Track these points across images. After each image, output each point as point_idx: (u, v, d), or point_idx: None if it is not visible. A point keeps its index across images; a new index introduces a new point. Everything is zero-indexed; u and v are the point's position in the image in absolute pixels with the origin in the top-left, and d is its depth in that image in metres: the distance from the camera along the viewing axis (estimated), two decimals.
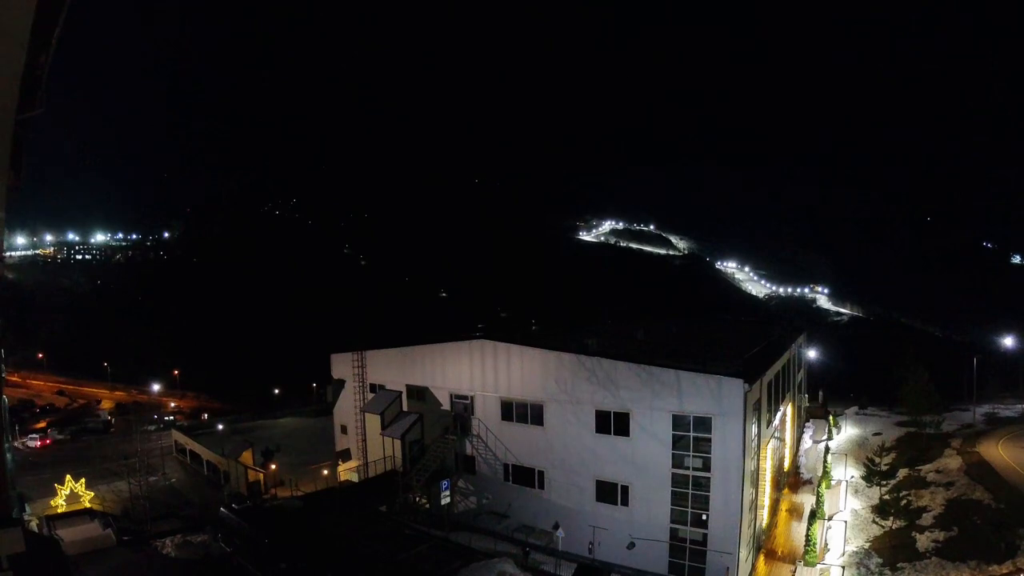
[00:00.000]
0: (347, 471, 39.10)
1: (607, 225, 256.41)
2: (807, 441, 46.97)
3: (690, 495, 26.89)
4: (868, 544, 30.04)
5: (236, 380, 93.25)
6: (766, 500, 31.78)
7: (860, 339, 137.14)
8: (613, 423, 28.97)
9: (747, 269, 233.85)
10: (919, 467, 37.31)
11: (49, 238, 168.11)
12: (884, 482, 33.88)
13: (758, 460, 29.15)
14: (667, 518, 27.47)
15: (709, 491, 26.35)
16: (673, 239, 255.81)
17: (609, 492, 29.21)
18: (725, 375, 26.04)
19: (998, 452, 37.22)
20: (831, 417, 51.80)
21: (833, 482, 36.53)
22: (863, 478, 35.85)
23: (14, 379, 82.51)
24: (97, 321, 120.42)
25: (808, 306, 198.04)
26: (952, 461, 36.56)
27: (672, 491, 27.30)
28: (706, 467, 26.48)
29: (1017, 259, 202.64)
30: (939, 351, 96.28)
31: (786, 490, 38.05)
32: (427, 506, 33.84)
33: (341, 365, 41.67)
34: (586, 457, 30.00)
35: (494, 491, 33.66)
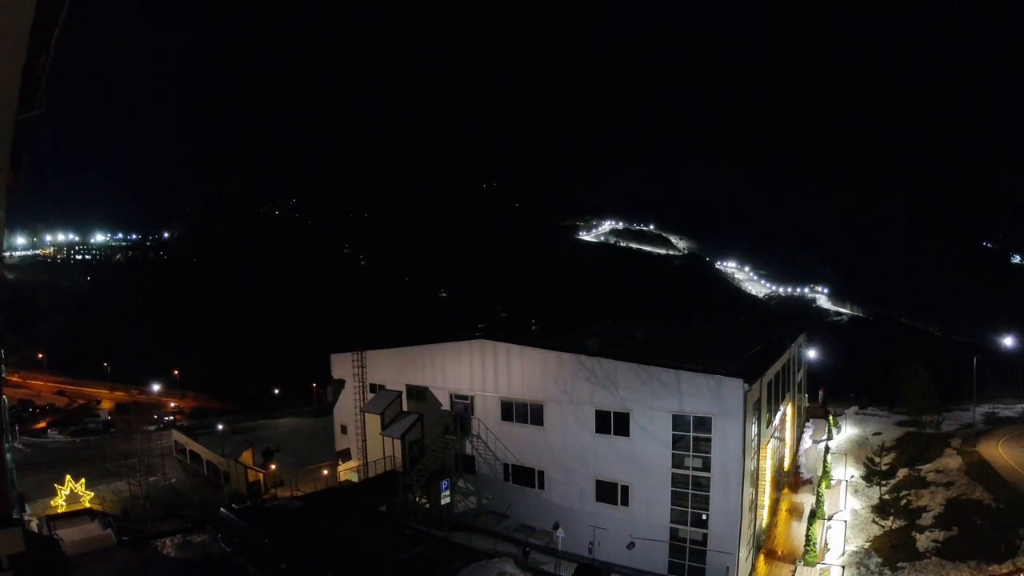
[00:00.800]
0: (347, 471, 39.11)
1: (607, 225, 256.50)
2: (807, 441, 46.96)
3: (690, 495, 26.88)
4: (868, 544, 30.04)
5: (236, 380, 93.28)
6: (766, 500, 31.78)
7: (860, 339, 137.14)
8: (613, 423, 28.97)
9: (747, 269, 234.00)
10: (919, 467, 37.31)
11: (49, 238, 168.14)
12: (884, 482, 33.88)
13: (758, 460, 29.15)
14: (667, 518, 27.47)
15: (709, 491, 26.34)
16: (673, 239, 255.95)
17: (609, 492, 29.21)
18: (725, 375, 26.03)
19: (998, 452, 37.21)
20: (831, 417, 51.78)
21: (833, 482, 36.54)
22: (863, 478, 35.85)
23: (14, 379, 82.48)
24: (97, 321, 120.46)
25: (808, 306, 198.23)
26: (952, 461, 36.56)
27: (672, 491, 27.29)
28: (706, 467, 26.47)
29: (1017, 259, 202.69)
30: (939, 351, 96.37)
31: (786, 490, 38.05)
32: (427, 506, 33.82)
33: (341, 365, 41.67)
34: (586, 457, 30.00)
35: (494, 491, 33.66)
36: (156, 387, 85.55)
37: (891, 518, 30.90)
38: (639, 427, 28.10)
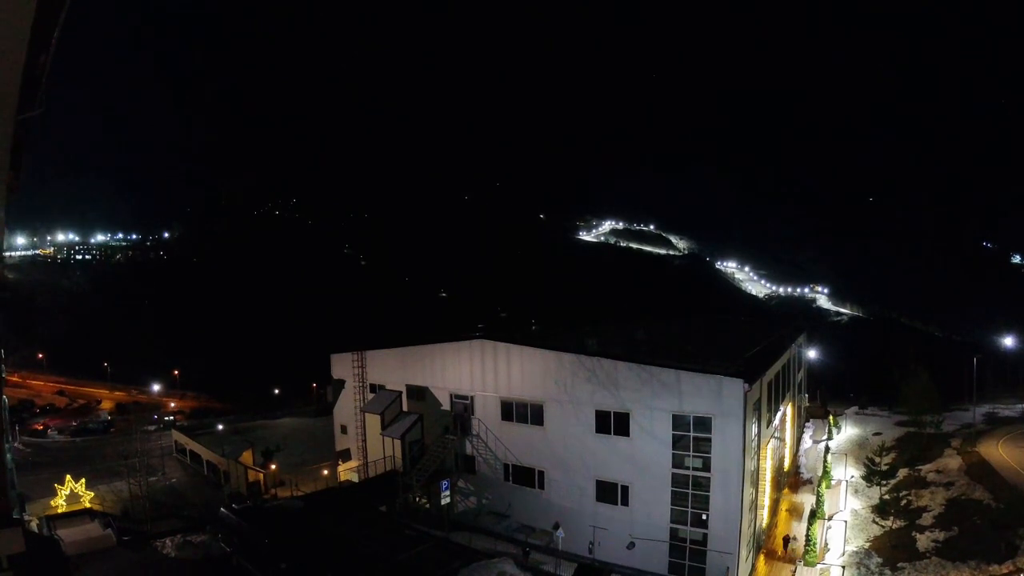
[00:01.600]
0: (347, 471, 39.11)
1: (607, 225, 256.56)
2: (807, 441, 46.97)
3: (690, 495, 26.88)
4: (868, 544, 30.06)
5: (236, 380, 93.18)
6: (766, 500, 31.79)
7: (860, 339, 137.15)
8: (613, 423, 28.97)
9: (747, 269, 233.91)
10: (919, 467, 37.32)
11: (49, 238, 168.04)
12: (884, 482, 33.88)
13: (758, 460, 29.15)
14: (667, 518, 27.47)
15: (709, 491, 26.34)
16: (673, 239, 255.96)
17: (609, 492, 29.21)
18: (725, 375, 26.04)
19: (998, 452, 37.22)
20: (831, 417, 51.80)
21: (833, 482, 36.55)
22: (863, 478, 35.86)
23: (14, 379, 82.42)
24: (97, 321, 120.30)
25: (808, 306, 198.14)
26: (952, 461, 36.57)
27: (672, 491, 27.29)
28: (706, 467, 26.47)
29: (1017, 259, 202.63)
30: (939, 351, 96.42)
31: (786, 490, 38.05)
32: (427, 506, 33.84)
33: (341, 365, 41.66)
34: (586, 457, 30.00)
35: (494, 491, 33.66)
36: (156, 387, 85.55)
37: (891, 518, 30.93)
38: (639, 427, 28.10)
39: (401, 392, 36.79)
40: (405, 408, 36.42)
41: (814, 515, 31.32)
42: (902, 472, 37.01)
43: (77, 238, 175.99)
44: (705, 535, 26.49)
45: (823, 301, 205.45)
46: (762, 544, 30.68)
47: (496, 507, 33.21)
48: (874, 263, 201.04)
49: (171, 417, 69.56)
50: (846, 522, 32.18)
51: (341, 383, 41.81)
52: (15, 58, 7.04)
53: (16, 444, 49.29)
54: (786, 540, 30.53)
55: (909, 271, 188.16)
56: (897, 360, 46.03)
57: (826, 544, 29.76)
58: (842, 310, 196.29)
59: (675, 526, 27.36)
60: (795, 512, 34.88)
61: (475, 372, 34.24)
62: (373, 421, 35.47)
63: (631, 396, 28.28)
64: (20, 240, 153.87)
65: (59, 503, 34.92)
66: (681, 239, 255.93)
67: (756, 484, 29.02)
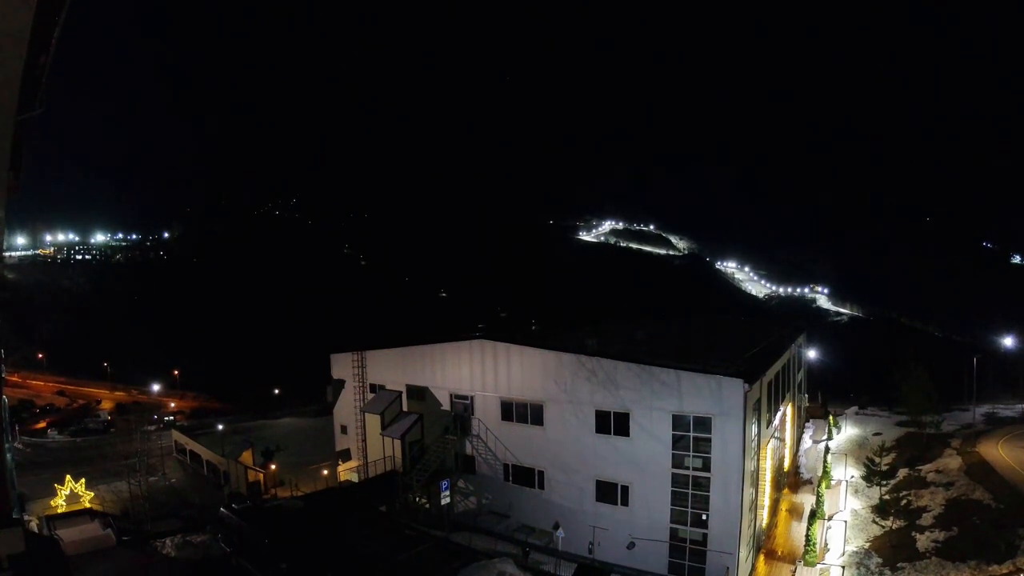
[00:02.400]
0: (347, 471, 39.10)
1: (607, 225, 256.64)
2: (807, 441, 46.96)
3: (690, 495, 26.87)
4: (868, 544, 30.04)
5: (236, 380, 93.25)
6: (766, 500, 31.78)
7: (860, 339, 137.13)
8: (613, 423, 28.97)
9: (747, 269, 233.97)
10: (919, 467, 37.30)
11: (49, 238, 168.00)
12: (884, 482, 33.86)
13: (758, 460, 29.14)
14: (667, 518, 27.45)
15: (709, 491, 26.33)
16: (673, 239, 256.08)
17: (609, 492, 29.20)
18: (725, 375, 26.03)
19: (998, 452, 37.21)
20: (831, 417, 51.76)
21: (833, 482, 36.53)
22: (863, 478, 35.85)
23: (14, 379, 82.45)
24: (97, 321, 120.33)
25: (808, 306, 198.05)
26: (952, 461, 36.55)
27: (672, 491, 27.27)
28: (706, 467, 26.46)
29: (1017, 259, 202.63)
30: (939, 351, 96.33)
31: (786, 490, 38.04)
32: (427, 506, 33.82)
33: (341, 365, 41.66)
34: (586, 457, 30.00)
35: (494, 491, 33.66)
36: (156, 387, 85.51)
37: (891, 518, 30.90)
38: (639, 427, 28.09)
39: (401, 392, 36.79)
40: (405, 408, 36.42)
41: (814, 515, 31.30)
42: (902, 472, 37.00)
43: (77, 238, 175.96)
44: (705, 535, 26.48)
45: (823, 301, 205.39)
46: (762, 544, 30.68)
47: (496, 507, 33.21)
48: (874, 263, 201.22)
49: (171, 417, 69.62)
50: (846, 522, 32.16)
51: (341, 383, 41.81)
52: (15, 58, 7.04)
53: (16, 444, 49.32)
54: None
55: (909, 271, 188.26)
56: (897, 360, 45.90)
57: (826, 544, 29.74)
58: (842, 310, 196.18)
59: (675, 526, 27.35)
60: (795, 512, 34.88)
61: (475, 372, 34.23)
62: (373, 421, 35.47)
63: (631, 396, 28.28)
64: (20, 240, 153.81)
65: (59, 503, 34.92)
66: (681, 239, 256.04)
67: (756, 484, 29.01)
